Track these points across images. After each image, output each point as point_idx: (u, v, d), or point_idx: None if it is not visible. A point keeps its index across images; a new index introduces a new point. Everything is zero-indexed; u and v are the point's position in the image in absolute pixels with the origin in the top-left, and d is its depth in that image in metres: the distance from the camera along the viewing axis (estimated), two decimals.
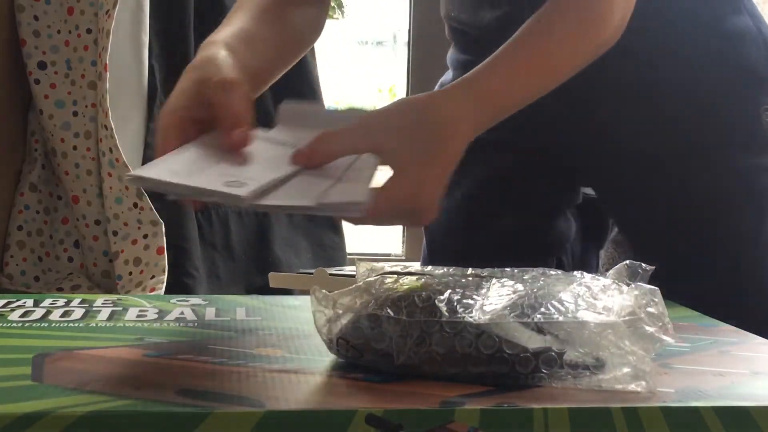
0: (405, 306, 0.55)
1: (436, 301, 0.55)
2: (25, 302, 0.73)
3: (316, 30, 0.96)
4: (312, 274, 1.38)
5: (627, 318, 0.53)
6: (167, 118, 0.70)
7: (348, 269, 1.44)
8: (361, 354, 0.55)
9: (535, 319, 0.53)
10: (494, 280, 0.59)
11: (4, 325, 0.65)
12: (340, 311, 0.57)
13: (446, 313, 0.54)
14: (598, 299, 0.55)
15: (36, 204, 1.33)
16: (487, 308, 0.54)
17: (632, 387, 0.52)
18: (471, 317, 0.53)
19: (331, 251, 1.58)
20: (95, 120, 1.30)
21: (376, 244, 1.90)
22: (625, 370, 0.52)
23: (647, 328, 0.53)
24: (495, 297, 0.56)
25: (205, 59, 0.74)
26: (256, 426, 0.45)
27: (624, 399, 0.50)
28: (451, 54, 1.08)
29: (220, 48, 0.75)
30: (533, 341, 0.53)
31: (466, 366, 0.53)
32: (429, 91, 0.75)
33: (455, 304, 0.55)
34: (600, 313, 0.54)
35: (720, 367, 0.59)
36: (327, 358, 0.58)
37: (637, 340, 0.53)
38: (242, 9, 0.86)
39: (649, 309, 0.54)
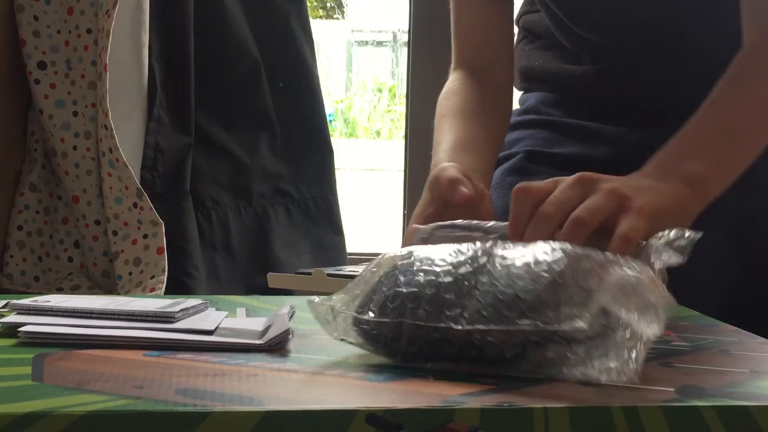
0: (394, 307, 0.55)
1: (421, 302, 0.55)
2: None
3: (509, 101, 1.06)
4: (310, 274, 1.38)
5: (621, 283, 0.54)
6: (416, 221, 0.78)
7: (347, 269, 1.44)
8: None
9: (522, 326, 0.53)
10: (497, 256, 0.58)
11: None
12: (339, 315, 0.58)
13: (427, 317, 0.54)
14: (595, 273, 0.55)
15: (36, 204, 1.33)
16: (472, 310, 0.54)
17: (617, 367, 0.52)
18: (454, 323, 0.54)
19: (331, 251, 1.58)
20: (95, 120, 1.30)
21: (376, 244, 1.90)
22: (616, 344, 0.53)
23: (647, 294, 0.54)
24: (486, 289, 0.55)
25: (433, 177, 0.82)
26: (256, 426, 0.45)
27: (624, 399, 0.50)
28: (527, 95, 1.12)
29: (444, 163, 0.84)
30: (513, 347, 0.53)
31: (458, 362, 0.54)
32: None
33: (441, 304, 0.55)
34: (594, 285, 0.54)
35: (720, 367, 0.59)
36: (327, 358, 0.58)
37: (637, 306, 0.53)
38: (448, 118, 0.97)
39: (645, 278, 0.54)
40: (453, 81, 1.02)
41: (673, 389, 0.52)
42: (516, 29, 1.14)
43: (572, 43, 1.04)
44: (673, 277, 0.98)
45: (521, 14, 1.13)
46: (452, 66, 1.05)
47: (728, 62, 0.92)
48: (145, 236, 1.27)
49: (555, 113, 1.07)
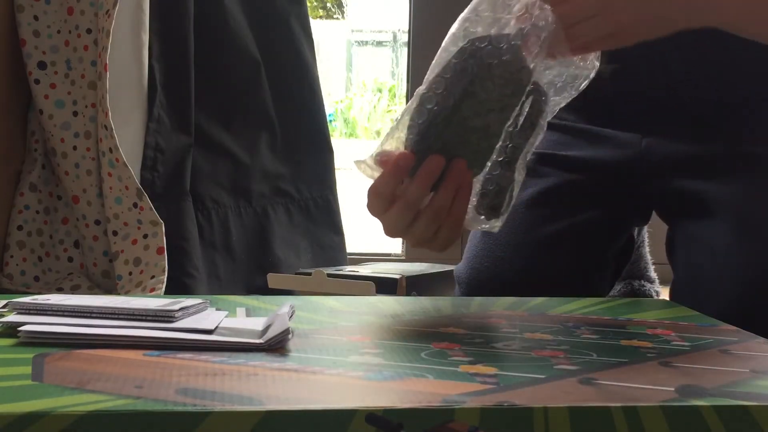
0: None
1: None
2: None
3: None
4: (310, 274, 1.38)
5: None
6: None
7: (347, 269, 1.44)
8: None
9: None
10: None
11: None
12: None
13: None
14: None
15: (36, 204, 1.33)
16: None
17: None
18: None
19: (331, 251, 1.58)
20: (95, 120, 1.30)
21: (376, 244, 1.90)
22: None
23: None
24: None
25: None
26: (256, 426, 0.45)
27: (624, 399, 0.50)
28: None
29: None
30: None
31: None
32: None
33: None
34: None
35: (720, 367, 0.59)
36: (327, 358, 0.58)
37: None
38: None
39: None
40: None
41: (673, 389, 0.52)
42: None
43: None
44: (682, 275, 0.98)
45: None
46: None
47: (750, 69, 0.92)
48: (145, 236, 1.27)
49: (568, 118, 1.07)
